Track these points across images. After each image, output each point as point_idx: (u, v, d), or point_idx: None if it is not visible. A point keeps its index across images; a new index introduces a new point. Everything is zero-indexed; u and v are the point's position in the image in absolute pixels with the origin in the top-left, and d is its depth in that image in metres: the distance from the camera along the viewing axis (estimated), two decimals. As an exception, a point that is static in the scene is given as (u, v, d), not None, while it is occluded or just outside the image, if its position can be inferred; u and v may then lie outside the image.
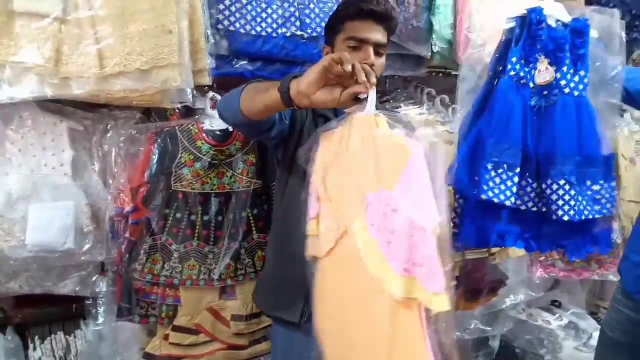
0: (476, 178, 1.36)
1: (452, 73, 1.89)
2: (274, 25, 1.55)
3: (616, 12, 1.51)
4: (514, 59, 1.36)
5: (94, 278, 1.50)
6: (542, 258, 2.15)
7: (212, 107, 1.52)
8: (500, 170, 1.34)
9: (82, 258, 1.41)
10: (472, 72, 1.47)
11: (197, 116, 1.52)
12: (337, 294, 0.97)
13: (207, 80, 1.45)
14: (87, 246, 1.40)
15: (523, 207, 1.38)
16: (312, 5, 1.63)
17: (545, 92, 1.37)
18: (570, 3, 1.44)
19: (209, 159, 1.48)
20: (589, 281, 2.59)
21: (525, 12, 1.36)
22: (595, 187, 1.42)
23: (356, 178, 0.94)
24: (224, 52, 1.53)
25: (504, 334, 2.35)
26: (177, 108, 1.55)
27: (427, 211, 0.85)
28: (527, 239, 1.46)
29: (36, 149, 1.35)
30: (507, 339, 2.37)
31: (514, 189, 1.34)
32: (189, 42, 1.36)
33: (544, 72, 1.36)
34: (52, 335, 1.55)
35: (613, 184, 1.46)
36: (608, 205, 1.44)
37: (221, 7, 1.51)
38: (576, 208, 1.36)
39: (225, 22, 1.51)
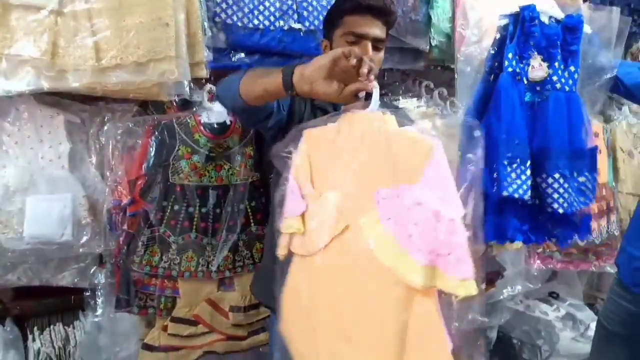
0: (495, 175, 1.38)
1: (451, 66, 1.88)
2: (272, 18, 1.54)
3: (615, 10, 1.52)
4: (510, 55, 1.39)
5: (92, 270, 1.51)
6: (540, 250, 2.16)
7: (210, 100, 1.52)
8: (514, 166, 1.37)
9: (80, 250, 1.42)
10: (469, 68, 1.48)
11: (194, 109, 1.52)
12: (333, 290, 0.97)
13: (204, 73, 1.44)
14: (85, 238, 1.41)
15: (530, 201, 1.41)
16: (310, -2, 1.62)
17: (538, 88, 1.40)
18: (564, 0, 1.45)
19: (206, 152, 1.48)
20: (586, 273, 2.60)
21: (518, 9, 1.37)
22: (582, 179, 1.47)
23: (362, 174, 0.95)
24: (222, 44, 1.52)
25: (501, 325, 2.36)
26: (175, 101, 1.55)
27: (452, 202, 0.88)
28: (525, 232, 1.48)
29: (33, 142, 1.35)
30: (505, 330, 2.38)
31: (529, 183, 1.37)
32: (186, 34, 1.36)
33: (537, 69, 1.39)
34: (51, 327, 1.56)
35: (595, 175, 1.52)
36: (590, 196, 1.50)
37: (218, -1, 1.51)
38: (569, 200, 1.41)
39: (223, 15, 1.50)
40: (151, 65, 1.28)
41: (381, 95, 1.00)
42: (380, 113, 0.96)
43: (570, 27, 1.41)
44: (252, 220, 1.56)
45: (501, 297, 2.21)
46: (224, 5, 1.50)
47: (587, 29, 1.44)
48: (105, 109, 1.45)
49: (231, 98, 1.16)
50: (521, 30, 1.38)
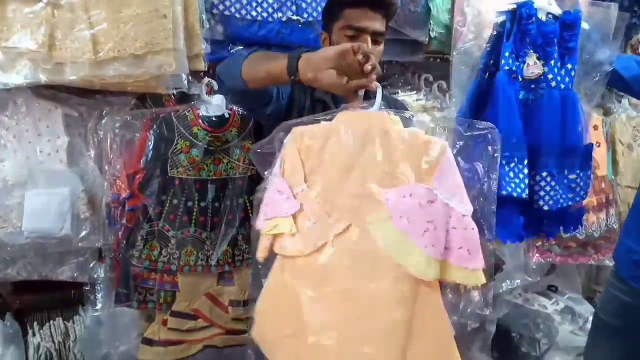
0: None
1: (450, 58, 1.88)
2: (270, 10, 1.53)
3: (614, 5, 1.52)
4: (506, 54, 1.39)
5: (91, 264, 1.51)
6: (539, 243, 2.16)
7: (208, 93, 1.51)
8: (512, 165, 1.38)
9: (80, 244, 1.42)
10: (464, 67, 1.48)
11: (192, 102, 1.51)
12: (335, 288, 0.98)
13: (202, 65, 1.44)
14: (84, 232, 1.40)
15: (526, 197, 1.42)
16: (308, -10, 1.61)
17: (533, 86, 1.41)
18: None
19: (205, 145, 1.47)
20: (585, 266, 2.60)
21: (515, 6, 1.37)
22: (572, 177, 1.49)
23: (366, 174, 0.96)
24: (219, 37, 1.52)
25: (500, 319, 2.36)
26: (173, 94, 1.54)
27: (463, 199, 0.94)
28: (521, 229, 1.50)
29: (31, 136, 1.34)
30: (504, 323, 2.38)
31: (526, 181, 1.38)
32: (184, 26, 1.35)
33: (532, 67, 1.39)
34: (51, 321, 1.56)
35: (589, 172, 1.54)
36: (582, 193, 1.52)
37: (216, -9, 1.50)
38: (555, 198, 1.43)
39: (220, 7, 1.50)
40: (148, 58, 1.28)
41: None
42: (385, 113, 0.98)
43: (568, 23, 1.41)
44: (251, 214, 1.55)
45: (500, 290, 2.22)
46: (221, -3, 1.50)
47: (584, 25, 1.44)
48: (103, 102, 1.45)
49: (232, 78, 1.15)
50: (518, 28, 1.37)
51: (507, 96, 1.39)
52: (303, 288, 1.00)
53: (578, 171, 1.50)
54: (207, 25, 1.44)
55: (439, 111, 1.87)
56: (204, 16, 1.43)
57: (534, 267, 2.26)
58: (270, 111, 1.25)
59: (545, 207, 1.42)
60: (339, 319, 0.98)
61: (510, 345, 2.36)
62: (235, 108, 1.53)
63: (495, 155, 1.09)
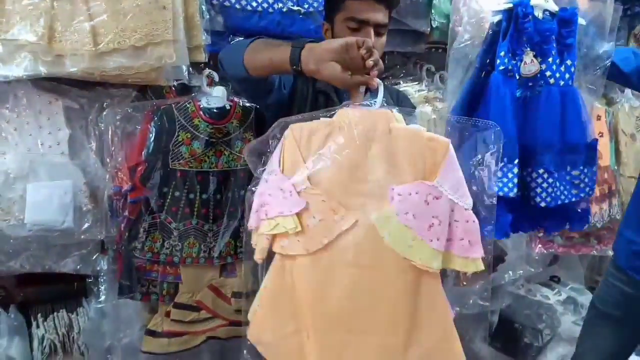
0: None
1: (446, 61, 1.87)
2: (270, 0, 1.52)
3: (610, 0, 1.52)
4: (502, 53, 1.39)
5: (94, 256, 1.51)
6: (542, 234, 2.16)
7: (209, 85, 1.51)
8: (501, 164, 1.37)
9: (82, 237, 1.42)
10: (460, 68, 1.48)
11: (193, 94, 1.51)
12: (343, 283, 0.99)
13: (202, 57, 1.43)
14: (86, 225, 1.40)
15: (513, 195, 1.43)
16: (309, -20, 1.60)
17: (530, 84, 1.41)
18: None
19: (206, 137, 1.47)
20: (588, 257, 2.60)
21: (511, 5, 1.36)
22: (575, 173, 1.50)
23: (370, 171, 0.98)
24: (220, 28, 1.50)
25: (503, 309, 2.37)
26: (173, 86, 1.54)
27: (465, 193, 0.99)
28: (511, 224, 1.51)
29: (32, 128, 1.34)
30: (506, 314, 2.39)
31: (515, 180, 1.39)
32: (184, 18, 1.34)
33: (529, 65, 1.39)
34: (55, 313, 1.57)
35: (594, 168, 1.55)
36: (587, 189, 1.53)
37: (215, -19, 1.48)
38: (553, 195, 1.44)
39: (220, -3, 1.49)
40: (149, 50, 1.27)
41: (382, 79, 1.01)
42: (389, 111, 1.00)
43: (566, 20, 1.42)
44: (253, 206, 1.55)
45: (503, 281, 2.22)
46: (221, -12, 1.48)
47: (581, 21, 1.44)
48: (104, 94, 1.44)
49: (233, 64, 1.15)
50: (514, 26, 1.37)
51: (501, 96, 1.39)
52: (307, 285, 1.01)
53: (582, 167, 1.50)
54: (207, 16, 1.43)
55: (441, 102, 1.86)
56: (204, 7, 1.42)
57: (537, 258, 2.26)
58: (272, 101, 1.24)
59: (543, 204, 1.43)
60: (344, 313, 1.00)
61: (513, 336, 2.36)
62: (236, 99, 1.52)
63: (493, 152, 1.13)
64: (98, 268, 1.52)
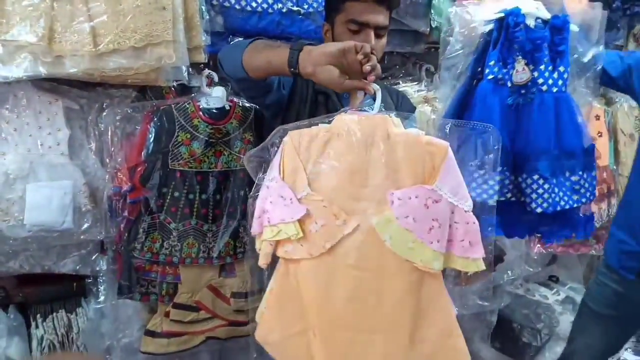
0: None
1: (437, 72, 1.87)
2: (270, 1, 1.52)
3: (597, 5, 1.53)
4: (492, 63, 1.40)
5: (94, 257, 1.51)
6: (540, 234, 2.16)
7: (208, 85, 1.51)
8: (482, 171, 1.37)
9: (82, 237, 1.42)
10: (450, 75, 1.48)
11: (193, 94, 1.51)
12: (346, 286, 1.01)
13: (202, 57, 1.43)
14: (86, 225, 1.41)
15: (502, 198, 1.44)
16: (308, -20, 1.60)
17: (522, 91, 1.42)
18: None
19: (205, 138, 1.47)
20: (586, 256, 2.60)
21: (502, 14, 1.36)
22: (574, 178, 1.50)
23: (370, 176, 0.99)
24: (219, 28, 1.51)
25: (501, 309, 2.37)
26: (173, 86, 1.54)
27: (464, 196, 1.00)
28: (506, 226, 1.52)
29: (32, 128, 1.34)
30: (505, 314, 2.39)
31: (496, 187, 1.39)
32: (184, 18, 1.34)
33: (521, 73, 1.40)
34: (54, 314, 1.57)
35: (594, 173, 1.55)
36: (587, 194, 1.53)
37: (215, -18, 1.49)
38: (550, 200, 1.43)
39: (220, -2, 1.49)
40: (149, 50, 1.27)
41: (382, 79, 1.01)
42: (387, 116, 1.00)
43: (558, 27, 1.42)
44: (252, 206, 1.56)
45: (501, 281, 2.22)
46: (221, -12, 1.48)
47: (574, 27, 1.44)
48: (103, 95, 1.45)
49: (232, 65, 1.15)
50: (505, 36, 1.37)
51: (487, 105, 1.40)
52: (311, 287, 1.02)
53: (580, 172, 1.50)
54: (207, 17, 1.43)
55: (440, 102, 1.86)
56: (203, 8, 1.42)
57: (535, 257, 2.27)
58: (271, 101, 1.24)
59: (539, 210, 1.43)
60: (349, 313, 1.01)
61: (512, 335, 2.37)
62: (236, 100, 1.53)
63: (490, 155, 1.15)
64: (97, 268, 1.52)
